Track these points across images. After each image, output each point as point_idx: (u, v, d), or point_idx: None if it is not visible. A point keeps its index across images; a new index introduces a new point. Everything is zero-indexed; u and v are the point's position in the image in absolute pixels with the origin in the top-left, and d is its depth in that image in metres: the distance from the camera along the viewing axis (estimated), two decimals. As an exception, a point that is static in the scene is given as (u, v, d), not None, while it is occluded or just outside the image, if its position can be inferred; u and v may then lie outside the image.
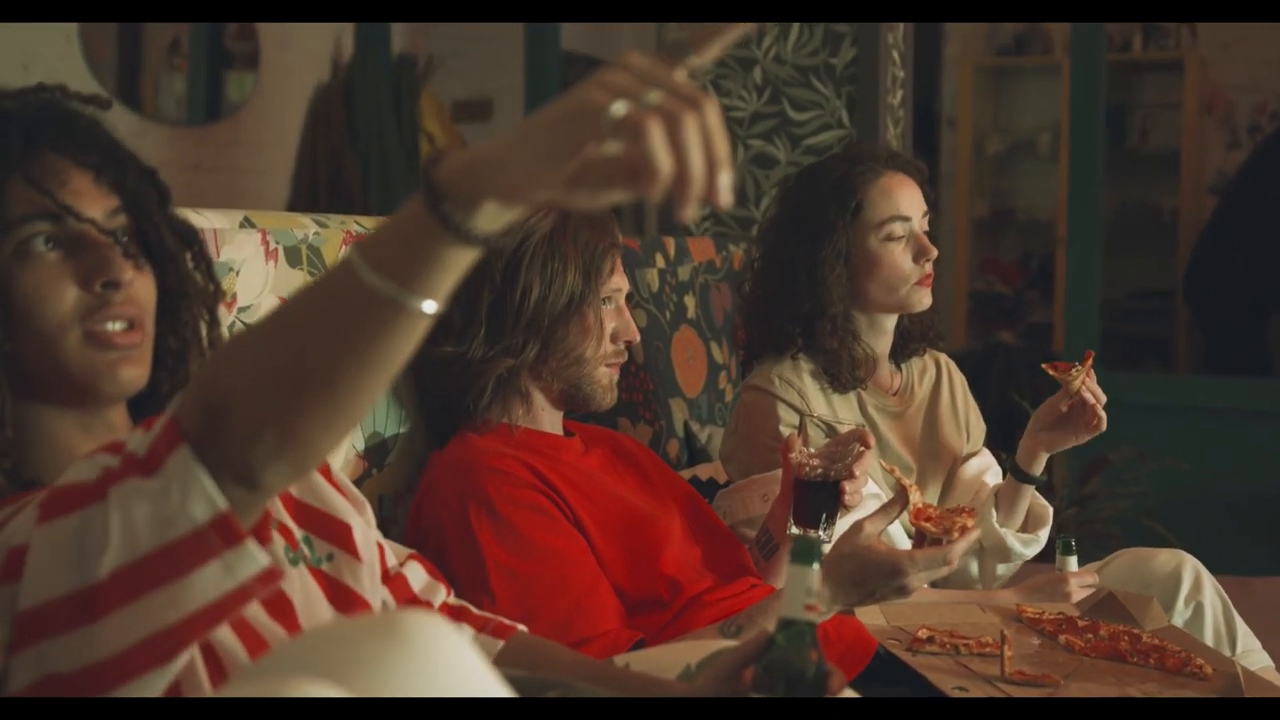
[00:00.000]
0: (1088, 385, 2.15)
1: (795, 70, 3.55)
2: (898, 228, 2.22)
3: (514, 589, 1.72)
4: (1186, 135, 5.93)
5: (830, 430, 2.19)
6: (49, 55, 4.11)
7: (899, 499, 1.77)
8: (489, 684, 0.95)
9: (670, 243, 2.87)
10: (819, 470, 1.87)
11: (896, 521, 1.82)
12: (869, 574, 1.70)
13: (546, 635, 1.66)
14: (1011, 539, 2.25)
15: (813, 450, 1.91)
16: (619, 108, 0.88)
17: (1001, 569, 2.30)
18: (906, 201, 2.23)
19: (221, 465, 0.98)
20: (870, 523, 1.73)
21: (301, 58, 5.15)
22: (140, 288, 1.28)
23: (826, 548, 1.81)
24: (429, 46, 5.74)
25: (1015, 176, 6.47)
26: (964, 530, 1.73)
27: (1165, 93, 6.07)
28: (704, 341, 2.88)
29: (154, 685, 1.02)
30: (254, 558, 0.99)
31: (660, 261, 2.78)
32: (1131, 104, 6.12)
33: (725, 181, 0.89)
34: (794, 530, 1.89)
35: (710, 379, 2.86)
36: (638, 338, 1.97)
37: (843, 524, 1.85)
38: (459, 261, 0.95)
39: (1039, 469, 2.25)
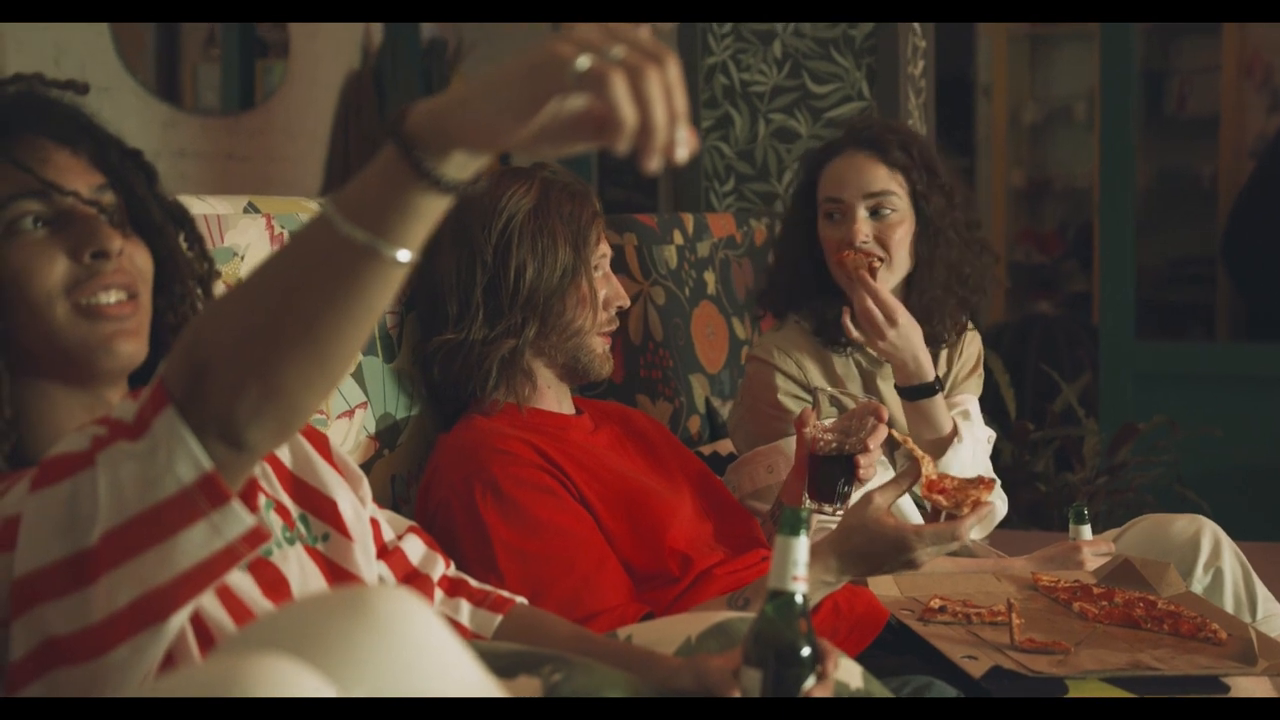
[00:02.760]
0: (866, 285, 2.12)
1: (815, 43, 3.53)
2: (832, 209, 2.22)
3: (521, 568, 1.73)
4: (1225, 100, 5.84)
5: (838, 403, 2.20)
6: (80, 48, 4.16)
7: (911, 471, 1.76)
8: (457, 659, 0.96)
9: (689, 219, 2.87)
10: (833, 444, 1.87)
11: (906, 494, 1.81)
12: (877, 547, 1.69)
13: (554, 613, 1.67)
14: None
15: (827, 424, 1.91)
16: (584, 61, 0.90)
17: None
18: (846, 183, 2.21)
19: (207, 424, 1.00)
20: (881, 495, 1.72)
21: (331, 45, 5.18)
22: (133, 258, 1.29)
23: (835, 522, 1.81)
24: (459, 31, 5.75)
25: (1052, 145, 6.41)
26: (976, 505, 1.72)
27: (1203, 57, 5.98)
28: (725, 317, 2.88)
29: (150, 648, 1.04)
30: (240, 518, 1.02)
31: (678, 238, 2.78)
32: (1169, 69, 6.04)
33: (683, 135, 0.92)
34: (809, 504, 1.89)
35: (732, 354, 2.86)
36: (629, 302, 1.98)
37: (856, 496, 1.85)
38: (432, 209, 0.97)
39: (905, 379, 2.16)
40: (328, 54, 5.15)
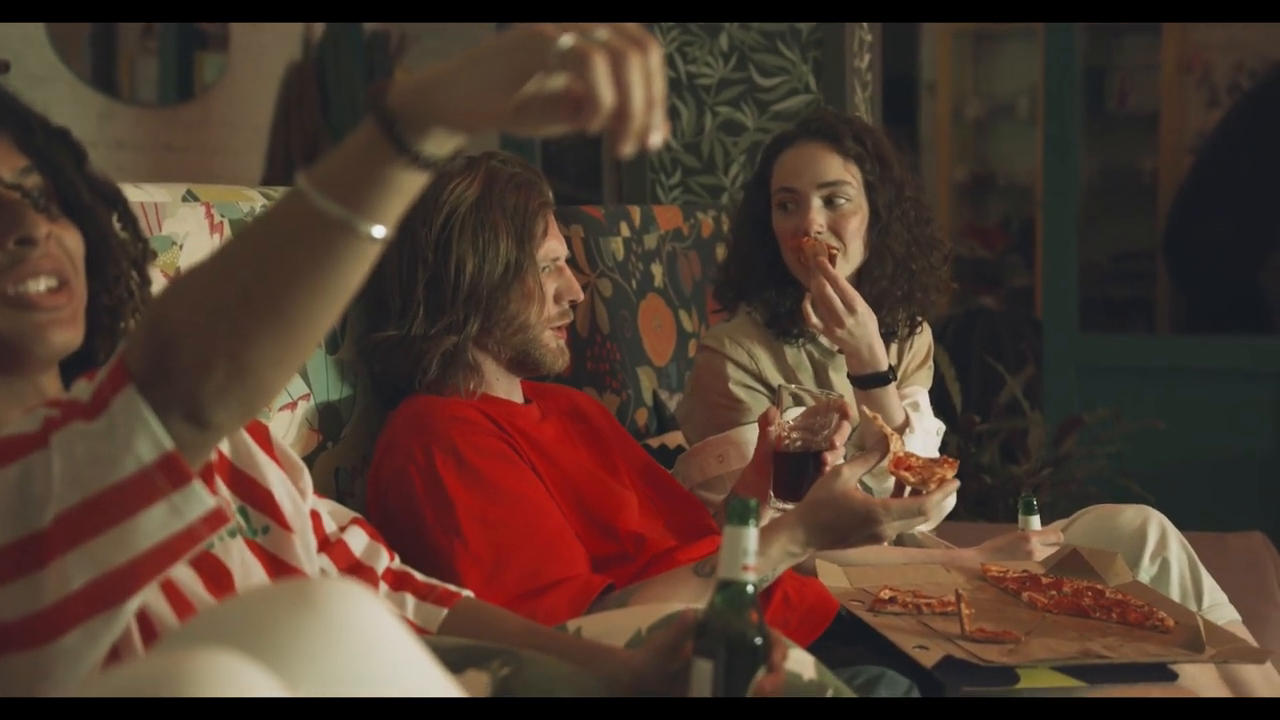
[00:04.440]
0: (825, 271, 2.11)
1: (761, 35, 3.52)
2: (786, 198, 2.21)
3: (484, 533, 1.71)
4: (1165, 96, 5.90)
5: (799, 400, 2.18)
6: (14, 38, 4.08)
7: (879, 447, 1.77)
8: (407, 652, 0.94)
9: (635, 211, 2.85)
10: (799, 442, 1.85)
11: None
12: (844, 520, 1.70)
13: (517, 579, 1.67)
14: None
15: (791, 421, 1.89)
16: (567, 40, 0.91)
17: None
18: (799, 173, 2.20)
19: (170, 403, 0.98)
20: (849, 469, 1.73)
21: (273, 37, 5.11)
22: (62, 242, 1.25)
23: None
24: (402, 24, 5.70)
25: (995, 141, 6.45)
26: (942, 482, 1.73)
27: (1144, 54, 6.04)
28: (672, 310, 2.86)
29: (103, 633, 1.02)
30: (201, 498, 1.00)
31: (625, 230, 2.76)
32: (1111, 66, 6.09)
33: (659, 121, 0.93)
34: (775, 502, 1.87)
35: (680, 347, 2.85)
36: (581, 295, 1.95)
37: None
38: (409, 186, 0.97)
39: (858, 367, 2.15)
40: (269, 46, 5.09)
